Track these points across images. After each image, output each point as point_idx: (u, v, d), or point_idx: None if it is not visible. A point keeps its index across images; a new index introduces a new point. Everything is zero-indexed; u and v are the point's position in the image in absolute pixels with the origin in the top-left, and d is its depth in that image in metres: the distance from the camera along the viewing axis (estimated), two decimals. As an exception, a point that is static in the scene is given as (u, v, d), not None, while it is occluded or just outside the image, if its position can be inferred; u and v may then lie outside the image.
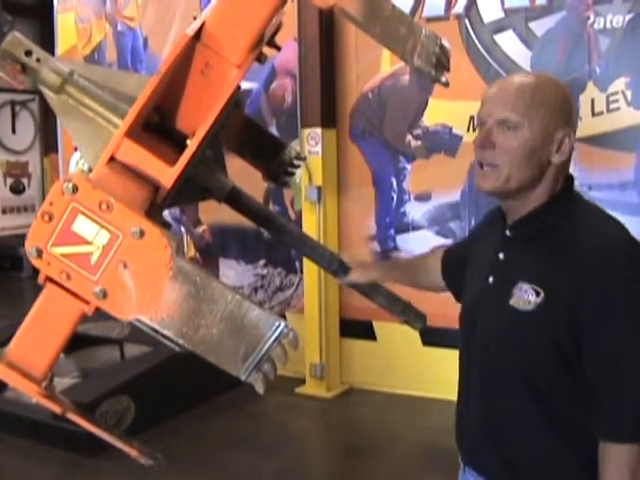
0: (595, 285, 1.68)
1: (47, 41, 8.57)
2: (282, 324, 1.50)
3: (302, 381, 6.38)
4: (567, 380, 1.75)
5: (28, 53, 1.80)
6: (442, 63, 1.82)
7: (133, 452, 1.72)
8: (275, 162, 2.32)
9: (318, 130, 6.24)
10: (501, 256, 1.92)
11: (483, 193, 1.88)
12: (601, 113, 5.30)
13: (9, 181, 13.14)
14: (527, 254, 1.85)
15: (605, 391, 1.70)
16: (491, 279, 1.92)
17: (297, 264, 6.67)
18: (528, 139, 1.78)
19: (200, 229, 7.28)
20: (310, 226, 6.20)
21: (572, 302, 1.70)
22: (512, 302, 1.81)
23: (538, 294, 1.76)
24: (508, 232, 1.92)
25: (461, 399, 2.06)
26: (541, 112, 1.78)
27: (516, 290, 1.80)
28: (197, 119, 1.66)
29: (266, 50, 1.86)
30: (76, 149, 5.45)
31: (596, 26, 5.33)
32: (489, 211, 2.16)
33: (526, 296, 1.78)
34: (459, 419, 2.06)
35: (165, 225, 1.72)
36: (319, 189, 6.21)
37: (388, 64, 6.14)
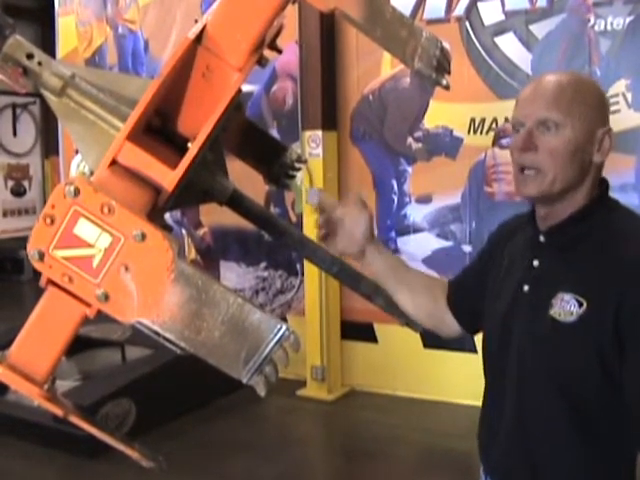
0: (638, 295, 1.63)
1: (48, 44, 8.57)
2: (283, 327, 1.50)
3: (303, 383, 6.38)
4: (608, 395, 1.70)
5: (30, 56, 1.80)
6: (443, 66, 1.82)
7: (134, 455, 1.72)
8: (276, 165, 2.32)
9: (319, 132, 6.24)
10: (536, 263, 1.85)
11: (526, 198, 1.83)
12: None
13: (10, 184, 13.15)
14: (565, 261, 1.79)
15: None
16: (526, 287, 1.85)
17: (298, 266, 6.68)
18: (572, 138, 1.73)
19: (201, 231, 7.28)
20: (311, 228, 6.17)
21: (617, 311, 1.64)
22: (552, 313, 1.74)
23: (581, 305, 1.69)
24: (542, 238, 1.85)
25: (488, 408, 2.00)
26: (583, 110, 1.73)
27: (556, 300, 1.74)
28: (198, 122, 1.66)
29: (267, 53, 1.86)
30: (77, 152, 5.46)
31: (596, 28, 5.33)
32: (503, 223, 2.11)
33: (568, 307, 1.72)
34: (484, 428, 2.01)
35: (166, 228, 1.72)
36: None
37: (389, 66, 6.15)
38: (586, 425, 1.75)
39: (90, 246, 1.48)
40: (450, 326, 2.19)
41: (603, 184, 1.84)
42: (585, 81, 1.83)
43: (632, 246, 1.70)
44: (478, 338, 2.10)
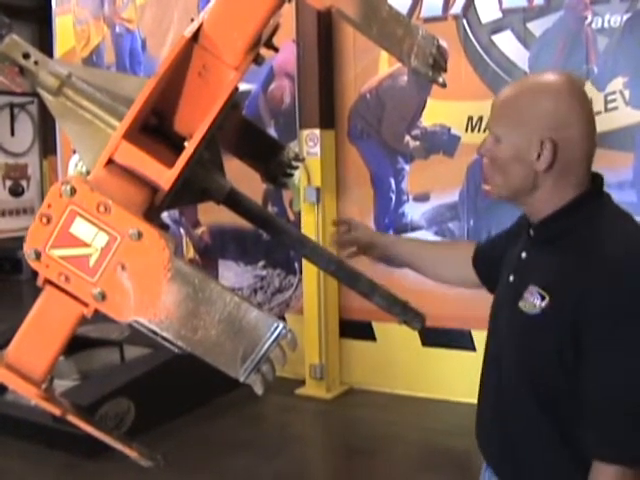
0: (598, 297, 1.65)
1: (45, 43, 8.58)
2: (280, 325, 1.50)
3: (302, 382, 6.38)
4: (572, 391, 1.72)
5: (26, 56, 1.80)
6: (439, 64, 1.82)
7: (133, 454, 1.72)
8: (273, 163, 2.32)
9: (316, 131, 6.24)
10: (523, 255, 1.92)
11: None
12: (599, 113, 5.30)
13: (8, 183, 13.14)
14: (543, 256, 1.84)
15: (594, 408, 1.68)
16: (511, 278, 1.92)
17: (296, 265, 6.68)
18: (506, 151, 1.81)
19: (199, 230, 7.28)
20: (309, 227, 6.20)
21: (576, 309, 1.66)
22: (520, 304, 1.80)
23: (543, 298, 1.74)
24: (532, 231, 1.91)
25: (480, 400, 2.05)
26: (521, 123, 1.79)
27: (526, 293, 1.79)
28: (195, 121, 1.66)
29: (264, 51, 1.86)
30: (75, 151, 5.46)
31: (594, 26, 5.34)
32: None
33: (532, 299, 1.77)
34: (477, 420, 2.06)
35: (163, 227, 1.71)
36: (318, 190, 6.21)
37: (386, 65, 6.15)
38: (554, 419, 1.77)
39: (87, 245, 1.47)
40: (479, 284, 2.32)
41: (597, 180, 1.86)
42: (525, 94, 1.83)
43: (605, 247, 1.72)
44: (476, 337, 2.11)
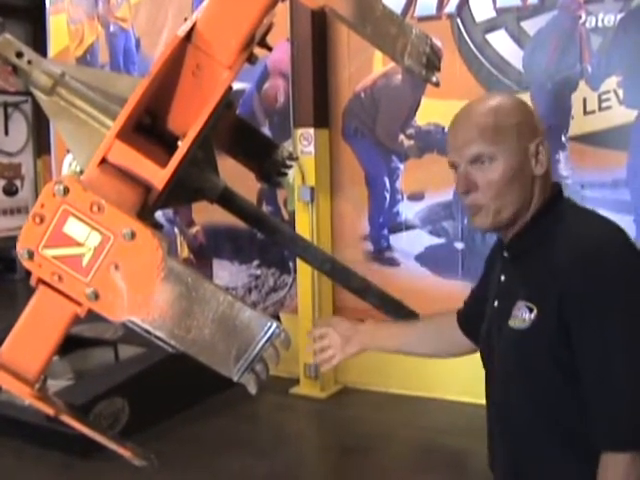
0: (575, 294, 1.66)
1: (39, 43, 8.55)
2: (274, 324, 1.50)
3: (296, 381, 6.38)
4: (573, 396, 1.72)
5: (19, 55, 1.80)
6: (432, 63, 1.82)
7: (126, 453, 1.72)
8: (268, 162, 2.32)
9: (311, 130, 6.24)
10: (502, 278, 1.91)
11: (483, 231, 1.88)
12: (593, 112, 5.31)
13: (2, 183, 13.10)
14: (521, 271, 1.84)
15: (598, 400, 1.67)
16: (496, 303, 1.91)
17: (291, 264, 6.67)
18: (506, 167, 1.76)
19: (193, 230, 7.27)
20: (303, 226, 6.20)
21: (559, 313, 1.68)
22: (510, 322, 1.80)
23: (532, 310, 1.74)
24: (506, 253, 1.90)
25: (488, 421, 2.04)
26: (508, 133, 1.77)
27: (515, 310, 1.79)
28: (188, 120, 1.66)
29: (258, 50, 1.86)
30: (69, 151, 5.44)
31: (588, 25, 5.34)
32: (492, 246, 2.13)
33: (521, 314, 1.76)
34: (488, 439, 2.05)
35: (156, 226, 1.72)
36: (312, 189, 6.20)
37: (380, 64, 6.14)
38: (559, 429, 1.77)
39: (80, 245, 1.47)
40: (465, 348, 2.33)
41: (555, 187, 1.86)
42: (503, 105, 1.82)
43: (572, 249, 1.72)
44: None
